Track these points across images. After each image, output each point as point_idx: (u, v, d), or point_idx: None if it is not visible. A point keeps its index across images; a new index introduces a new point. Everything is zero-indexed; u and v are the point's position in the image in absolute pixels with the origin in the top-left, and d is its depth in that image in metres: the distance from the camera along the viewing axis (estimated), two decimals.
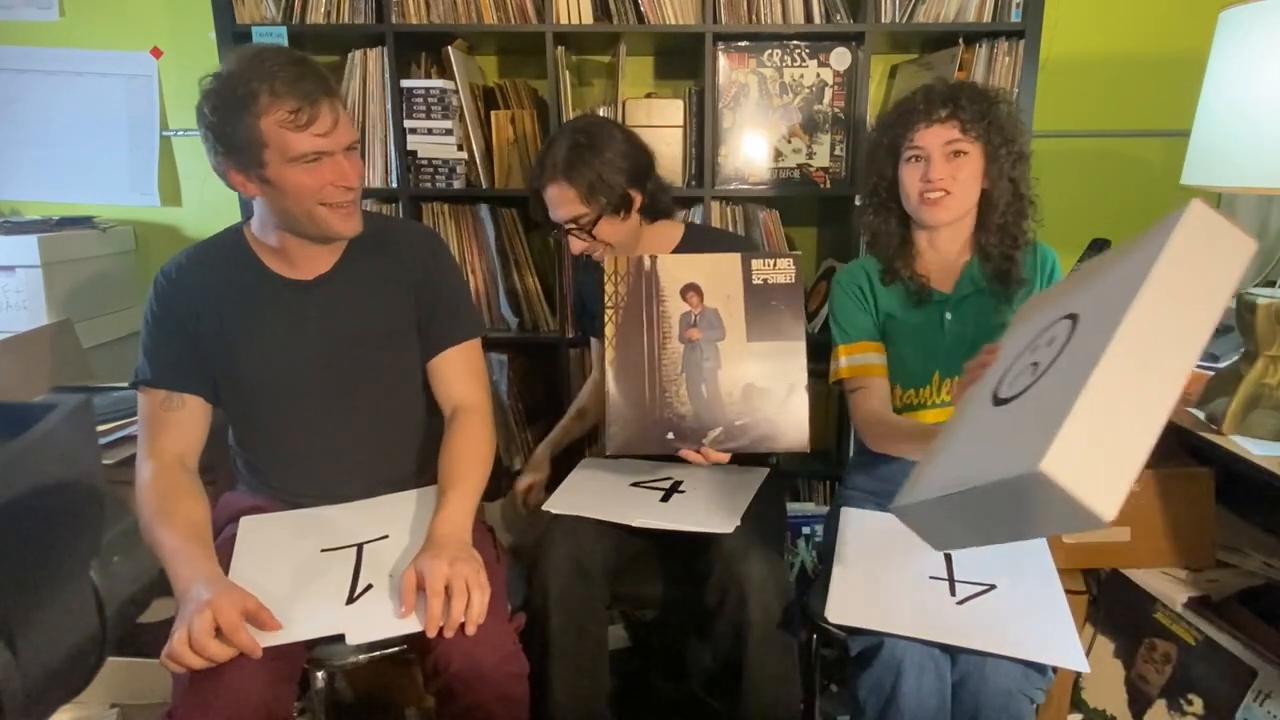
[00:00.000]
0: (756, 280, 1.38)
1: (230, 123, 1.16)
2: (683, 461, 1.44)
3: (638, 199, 1.55)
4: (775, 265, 1.39)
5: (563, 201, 1.49)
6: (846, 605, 1.20)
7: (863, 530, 1.38)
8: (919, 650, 1.16)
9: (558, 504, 1.43)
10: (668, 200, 1.65)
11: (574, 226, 1.51)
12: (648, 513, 1.38)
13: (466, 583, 1.11)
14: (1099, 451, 0.78)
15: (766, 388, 1.36)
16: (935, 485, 0.94)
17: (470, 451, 1.33)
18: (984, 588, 1.23)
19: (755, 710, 1.32)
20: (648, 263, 1.39)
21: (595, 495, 1.46)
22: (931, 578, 1.25)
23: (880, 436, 1.44)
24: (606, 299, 1.38)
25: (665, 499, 1.44)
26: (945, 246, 1.46)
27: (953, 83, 1.43)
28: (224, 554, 1.22)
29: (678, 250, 1.64)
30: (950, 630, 1.15)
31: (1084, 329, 0.89)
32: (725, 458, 1.37)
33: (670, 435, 1.37)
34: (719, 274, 1.39)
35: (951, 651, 1.18)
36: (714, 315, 1.38)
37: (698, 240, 1.66)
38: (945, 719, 1.17)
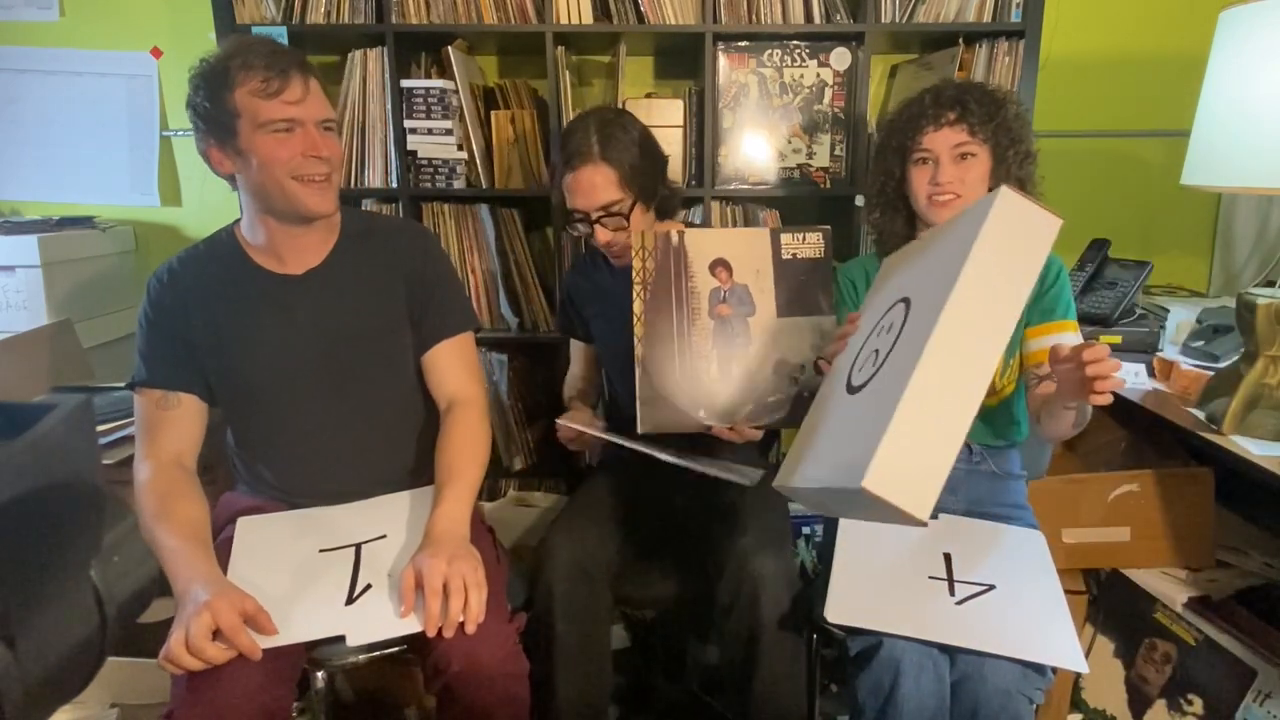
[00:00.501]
0: (786, 254, 1.36)
1: (209, 99, 1.20)
2: (695, 439, 1.43)
3: (661, 190, 1.54)
4: (805, 239, 1.37)
5: (600, 185, 1.43)
6: (846, 605, 1.20)
7: (862, 530, 1.38)
8: (918, 650, 1.16)
9: (579, 422, 1.43)
10: (678, 198, 1.64)
11: (604, 214, 1.45)
12: (677, 452, 1.35)
13: (465, 581, 1.11)
14: (912, 460, 0.86)
15: (799, 363, 1.35)
16: (799, 475, 1.05)
17: (467, 447, 1.33)
18: (983, 588, 1.23)
19: (766, 709, 1.32)
20: (675, 238, 1.37)
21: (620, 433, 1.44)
22: (931, 578, 1.25)
23: None
24: (634, 275, 1.35)
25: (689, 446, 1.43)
26: None
27: (960, 83, 1.42)
28: (223, 555, 1.22)
29: None
30: (949, 630, 1.15)
31: (912, 319, 0.97)
32: (758, 434, 1.36)
33: (702, 413, 1.35)
34: (748, 248, 1.37)
35: (950, 651, 1.18)
36: (744, 291, 1.36)
37: None
38: (944, 719, 1.17)
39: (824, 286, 1.37)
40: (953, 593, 1.22)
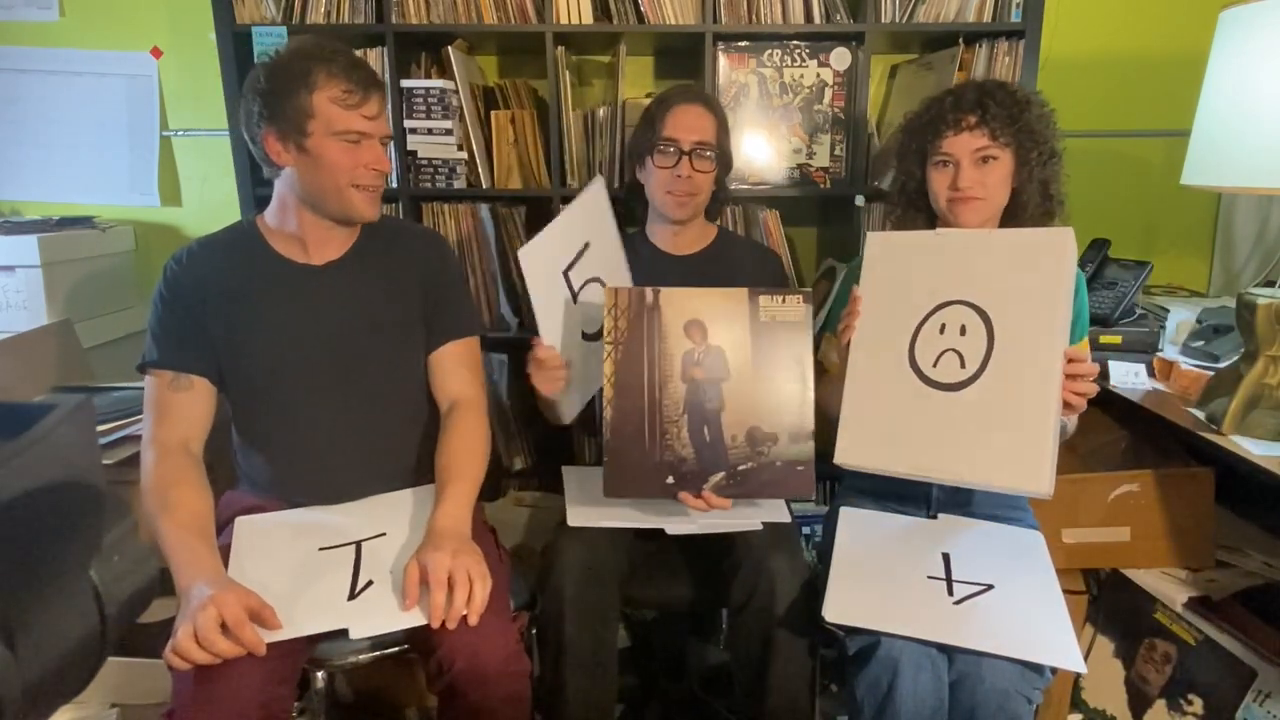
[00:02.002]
0: (764, 318, 1.32)
1: (284, 91, 1.23)
2: None
3: (724, 177, 1.66)
4: (784, 302, 1.32)
5: (706, 125, 1.56)
6: (844, 604, 1.20)
7: (860, 530, 1.38)
8: (916, 649, 1.16)
9: (579, 518, 1.39)
10: (726, 203, 1.76)
11: (698, 149, 1.55)
12: (686, 517, 1.36)
13: (469, 574, 1.12)
14: (1054, 458, 1.15)
15: (772, 432, 1.31)
16: (902, 461, 1.24)
17: (468, 446, 1.34)
18: (981, 588, 1.23)
19: (779, 705, 1.32)
20: (650, 296, 1.32)
21: (618, 503, 1.42)
22: (929, 577, 1.25)
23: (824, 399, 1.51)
24: (606, 334, 1.32)
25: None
26: None
27: (982, 84, 1.39)
28: (225, 556, 1.22)
29: (708, 249, 1.66)
30: (947, 630, 1.15)
31: (1009, 335, 1.20)
32: (728, 504, 1.32)
33: (670, 479, 1.31)
34: (725, 310, 1.33)
35: (949, 651, 1.18)
36: (718, 354, 1.33)
37: (728, 244, 1.70)
38: (942, 718, 1.17)
39: (801, 352, 1.33)
40: (951, 593, 1.22)
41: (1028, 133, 1.34)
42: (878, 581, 1.26)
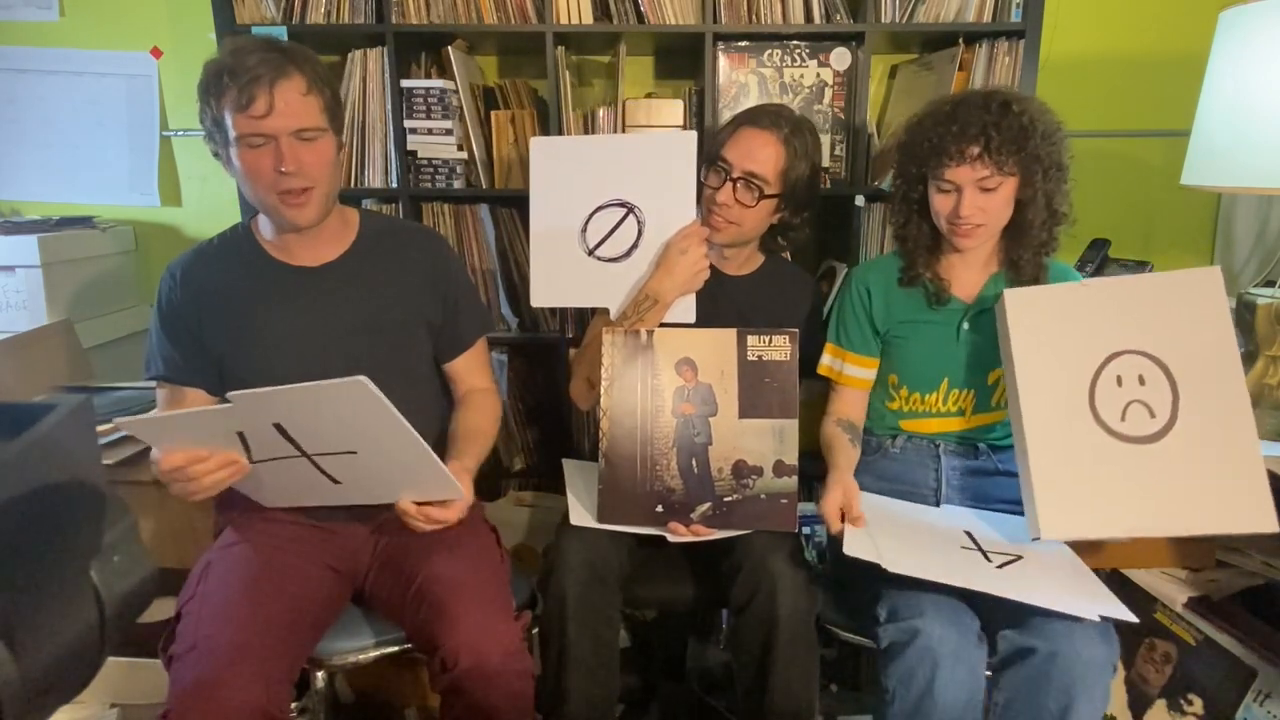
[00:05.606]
0: (751, 357, 1.37)
1: (205, 105, 1.22)
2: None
3: (793, 218, 1.55)
4: (771, 342, 1.37)
5: (769, 154, 1.46)
6: (901, 559, 1.17)
7: (878, 511, 1.38)
8: (953, 640, 1.16)
9: (581, 516, 1.42)
10: (795, 242, 1.63)
11: (746, 181, 1.46)
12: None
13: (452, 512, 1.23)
14: None
15: (757, 465, 1.36)
16: (1116, 525, 1.22)
17: (479, 420, 1.41)
18: (1013, 557, 1.24)
19: (781, 705, 1.32)
20: (644, 336, 1.39)
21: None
22: (963, 548, 1.25)
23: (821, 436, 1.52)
24: (603, 371, 1.39)
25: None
26: (973, 257, 1.43)
27: (987, 105, 1.31)
28: (222, 557, 1.22)
29: (757, 274, 1.63)
30: (1004, 586, 1.15)
31: (1192, 378, 1.20)
32: (715, 534, 1.37)
33: (660, 508, 1.37)
34: (714, 349, 1.38)
35: (990, 633, 1.19)
36: (707, 390, 1.38)
37: (777, 270, 1.65)
38: (976, 711, 1.17)
39: (788, 389, 1.37)
40: (989, 559, 1.23)
41: (1033, 158, 1.30)
42: (919, 545, 1.25)
